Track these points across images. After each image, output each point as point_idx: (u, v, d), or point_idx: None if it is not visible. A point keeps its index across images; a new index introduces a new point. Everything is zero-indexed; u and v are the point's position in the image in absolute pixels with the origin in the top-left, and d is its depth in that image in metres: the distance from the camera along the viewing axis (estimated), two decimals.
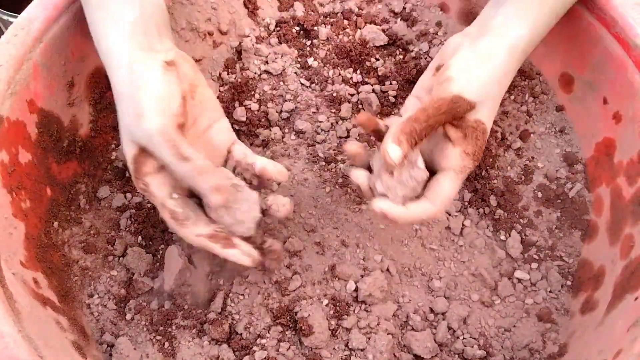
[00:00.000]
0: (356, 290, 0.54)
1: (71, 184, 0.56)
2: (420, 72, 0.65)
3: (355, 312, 0.54)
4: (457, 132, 0.47)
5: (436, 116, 0.45)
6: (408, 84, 0.66)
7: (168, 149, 0.44)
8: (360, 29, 0.69)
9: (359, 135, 0.62)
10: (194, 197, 0.48)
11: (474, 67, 0.48)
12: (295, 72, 0.67)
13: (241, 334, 0.52)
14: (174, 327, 0.52)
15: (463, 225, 0.60)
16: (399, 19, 0.70)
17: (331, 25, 0.69)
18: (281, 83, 0.66)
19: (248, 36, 0.67)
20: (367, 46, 0.67)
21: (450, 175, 0.47)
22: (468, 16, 0.68)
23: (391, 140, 0.44)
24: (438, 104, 0.46)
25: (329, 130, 0.63)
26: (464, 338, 0.54)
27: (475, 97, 0.47)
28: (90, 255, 0.55)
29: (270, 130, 0.63)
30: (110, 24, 0.46)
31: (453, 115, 0.46)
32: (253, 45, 0.67)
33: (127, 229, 0.57)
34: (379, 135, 0.50)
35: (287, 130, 0.63)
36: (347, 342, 0.52)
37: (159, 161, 0.45)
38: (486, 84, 0.48)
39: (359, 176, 0.50)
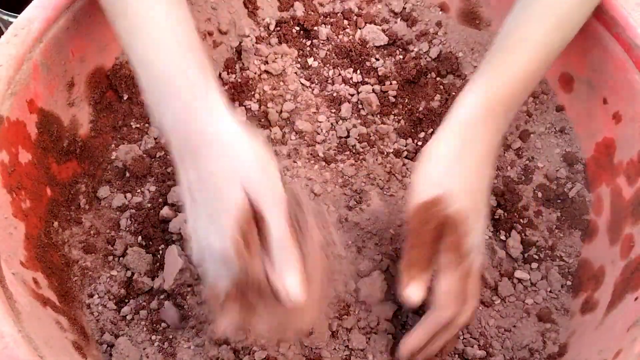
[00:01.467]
0: (356, 290, 0.54)
1: (71, 184, 0.56)
2: (420, 72, 0.66)
3: (356, 312, 0.54)
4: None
5: (419, 235, 0.43)
6: (408, 84, 0.66)
7: (283, 214, 0.39)
8: (360, 29, 0.69)
9: (359, 135, 0.62)
10: None
11: (426, 159, 0.44)
12: (295, 72, 0.67)
13: None
14: (173, 327, 0.52)
15: None
16: (399, 19, 0.70)
17: (331, 25, 0.69)
18: (281, 83, 0.66)
19: (248, 36, 0.67)
20: (367, 46, 0.67)
21: (439, 275, 0.44)
22: (468, 16, 0.68)
23: (405, 283, 0.43)
24: (410, 224, 0.43)
25: (329, 130, 0.63)
26: (463, 338, 0.54)
27: (434, 193, 0.43)
28: (90, 255, 0.55)
29: (271, 130, 0.63)
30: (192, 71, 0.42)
31: (432, 220, 0.43)
32: (253, 45, 0.67)
33: (127, 229, 0.57)
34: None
35: (287, 130, 0.63)
36: (347, 343, 0.52)
37: (260, 224, 0.39)
38: (445, 169, 0.44)
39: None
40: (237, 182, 0.39)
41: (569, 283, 0.56)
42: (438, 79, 0.67)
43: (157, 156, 0.61)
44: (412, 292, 0.42)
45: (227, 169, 0.39)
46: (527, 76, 0.47)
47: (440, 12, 0.69)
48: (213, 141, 0.40)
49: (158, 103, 0.42)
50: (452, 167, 0.43)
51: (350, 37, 0.69)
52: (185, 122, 0.40)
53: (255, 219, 0.39)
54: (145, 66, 0.42)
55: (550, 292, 0.56)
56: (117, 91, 0.60)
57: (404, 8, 0.70)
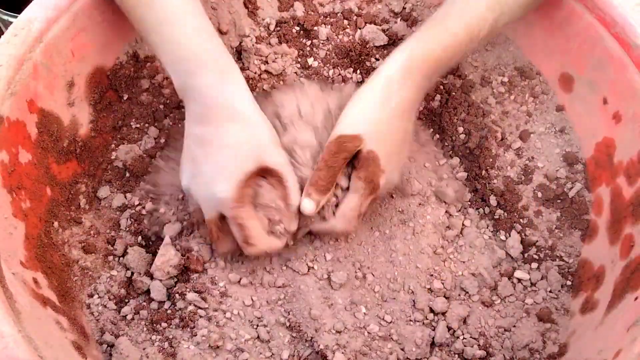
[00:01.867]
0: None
1: (71, 184, 0.56)
2: None
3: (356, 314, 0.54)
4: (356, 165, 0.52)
5: (332, 159, 0.51)
6: None
7: (292, 174, 0.53)
8: (360, 29, 0.69)
9: None
10: None
11: (355, 102, 0.53)
12: (295, 72, 0.67)
13: None
14: (173, 327, 0.52)
15: (463, 225, 0.60)
16: (399, 19, 0.70)
17: (331, 25, 0.69)
18: (281, 83, 0.66)
19: (248, 36, 0.67)
20: (367, 46, 0.67)
21: (348, 196, 0.53)
22: None
23: (303, 196, 0.52)
24: (328, 148, 0.51)
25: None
26: (464, 338, 0.54)
27: (357, 130, 0.51)
28: (90, 255, 0.55)
29: None
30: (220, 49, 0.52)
31: (349, 152, 0.51)
32: (253, 45, 0.67)
33: (127, 229, 0.57)
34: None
35: None
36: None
37: (276, 182, 0.52)
38: (367, 115, 0.52)
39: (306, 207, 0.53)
40: (254, 154, 0.50)
41: (569, 283, 0.56)
42: (438, 79, 0.67)
43: (157, 156, 0.61)
44: (307, 204, 0.52)
45: (247, 142, 0.50)
46: (454, 45, 0.52)
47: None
48: (236, 117, 0.50)
49: (185, 78, 0.50)
50: (372, 114, 0.52)
51: (350, 37, 0.69)
52: (211, 95, 0.50)
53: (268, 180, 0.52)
54: (173, 47, 0.50)
55: (550, 292, 0.56)
56: (117, 91, 0.60)
57: (404, 8, 0.70)
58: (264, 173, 0.52)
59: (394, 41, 0.68)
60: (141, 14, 0.51)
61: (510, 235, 0.59)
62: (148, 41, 0.52)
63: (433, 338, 0.54)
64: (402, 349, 0.53)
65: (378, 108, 0.52)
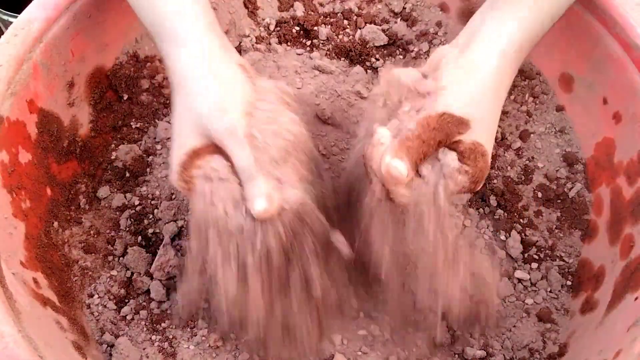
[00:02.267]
0: None
1: (71, 184, 0.56)
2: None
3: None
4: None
5: (427, 132, 0.42)
6: None
7: (242, 146, 0.43)
8: (360, 29, 0.69)
9: None
10: None
11: (464, 79, 0.45)
12: (296, 71, 0.67)
13: None
14: (173, 327, 0.52)
15: (463, 225, 0.60)
16: (399, 19, 0.70)
17: (331, 25, 0.69)
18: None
19: (248, 36, 0.67)
20: (367, 46, 0.67)
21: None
22: (468, 16, 0.67)
23: (391, 155, 0.42)
24: (426, 120, 0.43)
25: None
26: (464, 338, 0.54)
27: (467, 114, 0.43)
28: (90, 255, 0.55)
29: None
30: (186, 16, 0.46)
31: (446, 133, 0.43)
32: (253, 45, 0.67)
33: (127, 229, 0.57)
34: None
35: None
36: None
37: (225, 155, 0.44)
38: (479, 98, 0.44)
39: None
40: (192, 125, 0.44)
41: (569, 283, 0.56)
42: None
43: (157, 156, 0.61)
44: (398, 164, 0.42)
45: (185, 116, 0.45)
46: (536, 28, 0.47)
47: (440, 12, 0.69)
48: (182, 87, 0.45)
49: (162, 43, 0.47)
50: (485, 100, 0.44)
51: (350, 37, 0.69)
52: (168, 66, 0.46)
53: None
54: (150, 8, 0.47)
55: (550, 292, 0.56)
56: (117, 91, 0.60)
57: (404, 8, 0.70)
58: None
59: (394, 41, 0.68)
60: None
61: (510, 235, 0.59)
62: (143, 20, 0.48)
63: (433, 338, 0.54)
64: (403, 350, 0.53)
65: (491, 94, 0.45)
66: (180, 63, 0.45)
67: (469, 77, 0.45)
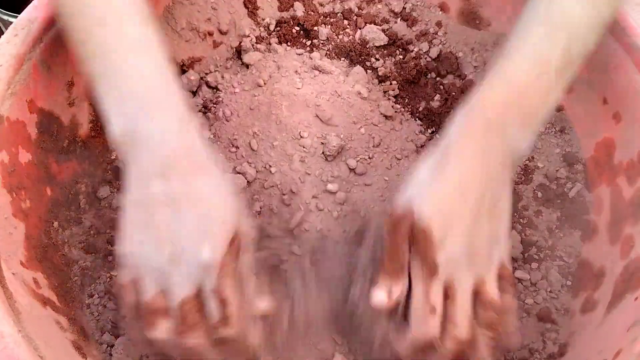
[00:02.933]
0: None
1: (71, 184, 0.56)
2: (420, 72, 0.66)
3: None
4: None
5: (390, 239, 0.42)
6: (408, 84, 0.66)
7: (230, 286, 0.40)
8: (360, 29, 0.69)
9: None
10: None
11: (415, 169, 0.44)
12: (296, 71, 0.67)
13: None
14: None
15: None
16: (399, 19, 0.70)
17: (331, 25, 0.69)
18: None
19: (248, 36, 0.67)
20: (367, 46, 0.67)
21: (412, 289, 0.42)
22: (468, 16, 0.68)
23: (374, 289, 0.42)
24: (385, 227, 0.42)
25: None
26: None
27: (409, 204, 0.41)
28: (90, 255, 0.55)
29: None
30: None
31: (404, 231, 0.41)
32: (253, 45, 0.67)
33: None
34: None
35: None
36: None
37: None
38: (419, 183, 0.42)
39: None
40: (234, 218, 0.41)
41: (569, 283, 0.56)
42: (438, 79, 0.67)
43: None
44: (377, 294, 0.42)
45: (225, 202, 0.42)
46: (520, 83, 0.43)
47: (440, 12, 0.69)
48: (204, 168, 0.42)
49: (136, 120, 0.41)
50: (426, 182, 0.42)
51: (350, 37, 0.69)
52: (173, 145, 0.41)
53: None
54: (120, 80, 0.42)
55: (550, 292, 0.56)
56: None
57: (404, 8, 0.70)
58: None
59: (394, 41, 0.68)
60: (73, 26, 0.43)
61: (510, 236, 0.59)
62: (86, 69, 0.43)
63: None
64: None
65: (432, 174, 0.42)
66: (193, 143, 0.42)
67: (420, 164, 0.44)
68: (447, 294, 0.41)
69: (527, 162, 0.62)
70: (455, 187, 0.41)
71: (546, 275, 0.57)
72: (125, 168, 0.42)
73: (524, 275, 0.57)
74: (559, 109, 0.62)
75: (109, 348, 0.51)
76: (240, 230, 0.42)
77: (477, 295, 0.42)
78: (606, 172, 0.56)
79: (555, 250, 0.58)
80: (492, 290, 0.42)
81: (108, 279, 0.55)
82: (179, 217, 0.40)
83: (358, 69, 0.65)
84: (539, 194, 0.60)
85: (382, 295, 0.42)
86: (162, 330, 0.40)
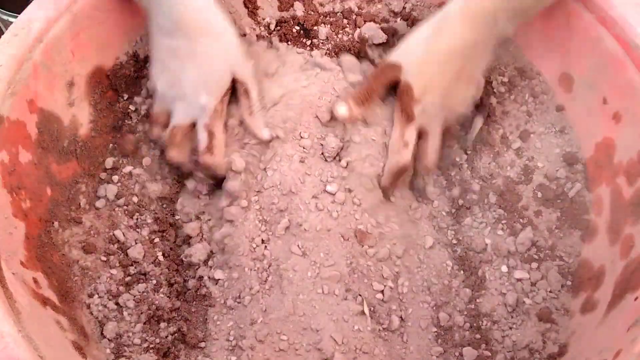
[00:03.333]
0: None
1: (71, 184, 0.56)
2: None
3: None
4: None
5: (372, 79, 0.56)
6: None
7: (255, 87, 0.57)
8: (359, 27, 0.69)
9: None
10: None
11: (410, 34, 0.56)
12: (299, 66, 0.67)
13: None
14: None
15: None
16: (399, 19, 0.70)
17: (331, 24, 0.69)
18: None
19: (248, 35, 0.67)
20: (366, 44, 0.67)
21: (393, 127, 0.57)
22: None
23: (338, 102, 0.57)
24: (373, 70, 0.56)
25: None
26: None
27: (400, 60, 0.55)
28: (90, 255, 0.55)
29: None
30: None
31: (387, 78, 0.56)
32: (254, 41, 0.67)
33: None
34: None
35: None
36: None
37: (242, 94, 0.57)
38: (411, 48, 0.55)
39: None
40: (228, 69, 0.55)
41: (569, 283, 0.56)
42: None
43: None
44: (340, 107, 0.57)
45: (221, 57, 0.54)
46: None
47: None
48: (207, 31, 0.53)
49: None
50: (417, 47, 0.55)
51: (350, 36, 0.69)
52: (180, 9, 0.51)
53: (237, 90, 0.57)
54: None
55: (550, 292, 0.56)
56: (117, 91, 0.60)
57: (404, 8, 0.70)
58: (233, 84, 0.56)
59: (392, 34, 0.68)
60: None
61: (510, 235, 0.59)
62: None
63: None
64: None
65: (425, 42, 0.54)
66: (197, 5, 0.52)
67: (416, 31, 0.56)
68: (421, 135, 0.57)
69: (527, 162, 0.62)
70: (441, 58, 0.54)
71: (546, 275, 0.57)
72: (148, 21, 0.54)
73: (524, 275, 0.57)
74: (559, 108, 0.62)
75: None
76: (239, 78, 0.55)
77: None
78: (606, 172, 0.56)
79: (555, 250, 0.58)
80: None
81: (108, 279, 0.55)
82: (184, 68, 0.53)
83: (348, 56, 0.65)
84: (539, 194, 0.60)
85: (344, 109, 0.56)
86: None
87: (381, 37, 0.67)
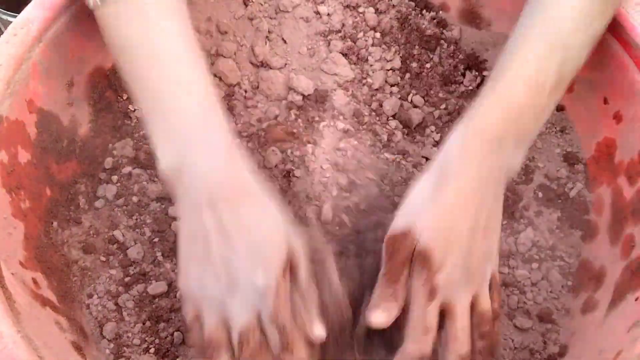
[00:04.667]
0: None
1: (70, 184, 0.55)
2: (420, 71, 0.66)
3: None
4: None
5: (390, 263, 0.43)
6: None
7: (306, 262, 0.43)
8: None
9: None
10: None
11: (411, 189, 0.45)
12: None
13: None
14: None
15: None
16: None
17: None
18: None
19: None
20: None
21: (409, 308, 0.44)
22: (469, 16, 0.68)
23: (370, 308, 0.43)
24: (384, 249, 0.44)
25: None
26: None
27: (408, 225, 0.43)
28: (89, 255, 0.55)
29: None
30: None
31: (405, 252, 0.43)
32: None
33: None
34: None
35: None
36: None
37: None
38: (418, 204, 0.44)
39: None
40: (284, 240, 0.42)
41: (569, 283, 0.56)
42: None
43: None
44: (376, 316, 0.43)
45: (274, 227, 0.42)
46: (515, 105, 0.44)
47: (441, 12, 0.69)
48: (252, 197, 0.43)
49: (184, 154, 0.42)
50: (425, 203, 0.44)
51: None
52: (220, 177, 0.42)
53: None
54: (169, 114, 0.43)
55: (550, 292, 0.56)
56: (117, 91, 0.60)
57: None
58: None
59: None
60: (126, 61, 0.45)
61: (510, 235, 0.59)
62: (136, 103, 0.45)
63: None
64: None
65: (432, 194, 0.43)
66: (241, 174, 0.43)
67: (417, 184, 0.46)
68: (445, 311, 0.43)
69: (528, 162, 0.62)
70: (454, 209, 0.43)
71: (547, 276, 0.57)
72: (176, 202, 0.44)
73: (524, 275, 0.57)
74: (560, 108, 0.62)
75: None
76: (292, 251, 0.42)
77: (472, 307, 0.44)
78: (607, 172, 0.56)
79: (555, 250, 0.58)
80: (486, 304, 0.44)
81: (107, 279, 0.54)
82: (231, 246, 0.41)
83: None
84: (540, 194, 0.60)
85: (381, 317, 0.43)
86: None
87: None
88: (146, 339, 0.52)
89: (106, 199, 0.58)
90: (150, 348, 0.51)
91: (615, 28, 0.53)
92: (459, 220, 0.43)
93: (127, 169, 0.59)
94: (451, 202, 0.43)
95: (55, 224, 0.53)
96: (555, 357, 0.52)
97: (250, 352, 0.40)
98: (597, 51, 0.56)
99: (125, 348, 0.51)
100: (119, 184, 0.59)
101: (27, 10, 0.51)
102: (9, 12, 0.79)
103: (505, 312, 0.55)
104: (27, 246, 0.48)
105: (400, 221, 0.44)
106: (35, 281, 0.47)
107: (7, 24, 0.80)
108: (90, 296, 0.53)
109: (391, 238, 0.44)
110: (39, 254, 0.49)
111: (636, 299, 0.46)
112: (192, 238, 0.43)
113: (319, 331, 0.42)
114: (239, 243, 0.41)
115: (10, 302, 0.41)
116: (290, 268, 0.42)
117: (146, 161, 0.59)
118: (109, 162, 0.59)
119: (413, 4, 0.68)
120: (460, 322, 0.43)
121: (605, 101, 0.56)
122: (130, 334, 0.52)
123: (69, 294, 0.51)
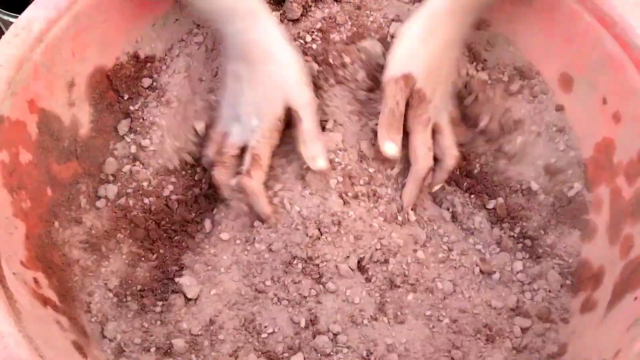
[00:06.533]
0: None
1: (71, 184, 0.56)
2: None
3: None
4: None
5: (392, 101, 0.54)
6: None
7: (313, 117, 0.55)
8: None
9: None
10: None
11: (400, 40, 0.55)
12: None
13: None
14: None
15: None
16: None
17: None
18: None
19: None
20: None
21: (411, 137, 0.56)
22: None
23: (381, 140, 0.55)
24: (386, 91, 0.54)
25: None
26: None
27: (408, 69, 0.54)
28: (90, 255, 0.55)
29: None
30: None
31: (408, 93, 0.54)
32: None
33: None
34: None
35: None
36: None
37: (297, 121, 0.55)
38: (413, 52, 0.54)
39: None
40: (281, 96, 0.54)
41: (568, 283, 0.56)
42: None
43: None
44: (389, 147, 0.54)
45: (275, 84, 0.54)
46: None
47: None
48: (267, 58, 0.54)
49: (220, 25, 0.55)
50: (418, 50, 0.54)
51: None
52: (243, 39, 0.54)
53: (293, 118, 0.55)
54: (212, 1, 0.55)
55: (549, 291, 0.56)
56: (118, 91, 0.60)
57: None
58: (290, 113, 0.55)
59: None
60: None
61: (510, 235, 0.59)
62: None
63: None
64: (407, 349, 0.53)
65: (423, 43, 0.54)
66: (261, 35, 0.54)
67: (405, 35, 0.55)
68: (434, 131, 0.57)
69: (527, 161, 0.62)
70: (440, 56, 0.56)
71: (546, 275, 0.57)
72: (220, 45, 0.60)
73: (524, 275, 0.57)
74: (559, 108, 0.62)
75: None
76: (292, 106, 0.54)
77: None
78: (606, 172, 0.56)
79: (554, 250, 0.58)
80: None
81: (108, 279, 0.55)
82: (242, 93, 0.55)
83: None
84: (540, 194, 0.60)
85: (395, 148, 0.55)
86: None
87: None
88: (147, 338, 0.52)
89: (107, 198, 0.58)
90: (150, 347, 0.51)
91: (614, 28, 0.54)
92: (442, 64, 0.56)
93: (128, 168, 0.59)
94: (438, 50, 0.55)
95: (56, 223, 0.53)
96: (555, 357, 0.53)
97: (222, 160, 0.57)
98: (597, 51, 0.56)
99: (126, 347, 0.51)
100: (119, 184, 0.59)
101: (29, 11, 0.51)
102: (10, 13, 0.79)
103: (506, 312, 0.55)
104: (28, 246, 0.48)
105: (396, 65, 0.54)
106: (36, 281, 0.47)
107: (8, 24, 0.80)
108: (91, 295, 0.54)
109: (392, 80, 0.54)
110: (40, 254, 0.49)
111: (635, 299, 0.46)
112: (226, 79, 0.58)
113: (321, 163, 0.54)
114: (248, 93, 0.55)
115: (11, 302, 0.41)
116: (293, 120, 0.55)
117: (146, 161, 0.60)
118: (109, 162, 0.59)
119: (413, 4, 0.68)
120: (448, 135, 0.58)
121: (605, 101, 0.56)
122: (131, 333, 0.52)
123: (70, 294, 0.51)
